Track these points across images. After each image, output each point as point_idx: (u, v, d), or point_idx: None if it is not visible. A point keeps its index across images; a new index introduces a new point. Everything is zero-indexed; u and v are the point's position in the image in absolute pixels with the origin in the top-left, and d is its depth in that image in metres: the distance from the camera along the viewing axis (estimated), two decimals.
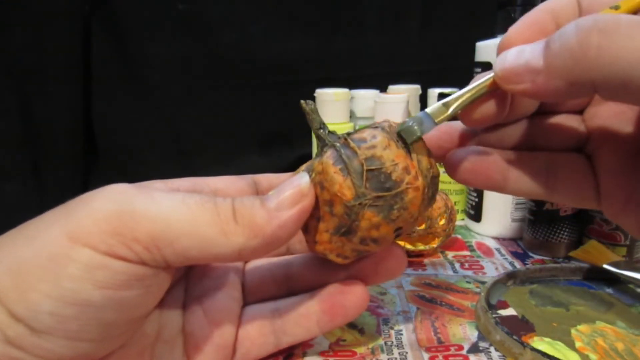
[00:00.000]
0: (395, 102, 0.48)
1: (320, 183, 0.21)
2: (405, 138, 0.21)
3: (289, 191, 0.20)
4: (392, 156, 0.21)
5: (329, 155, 0.21)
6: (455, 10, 0.66)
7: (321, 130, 0.23)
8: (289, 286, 0.26)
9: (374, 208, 0.21)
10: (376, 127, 0.22)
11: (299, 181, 0.21)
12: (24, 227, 0.20)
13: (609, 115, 0.23)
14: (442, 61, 0.66)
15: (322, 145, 0.23)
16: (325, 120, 0.56)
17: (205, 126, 0.63)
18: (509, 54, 0.19)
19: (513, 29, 0.21)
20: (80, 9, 0.56)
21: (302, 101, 0.23)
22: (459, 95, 0.21)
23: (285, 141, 0.65)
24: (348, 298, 0.25)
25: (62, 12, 0.55)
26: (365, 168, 0.20)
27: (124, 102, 0.61)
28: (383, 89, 0.57)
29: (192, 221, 0.19)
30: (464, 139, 0.23)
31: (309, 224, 0.22)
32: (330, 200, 0.21)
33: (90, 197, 0.19)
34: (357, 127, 0.54)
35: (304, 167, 0.23)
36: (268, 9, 0.62)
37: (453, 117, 0.22)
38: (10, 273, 0.18)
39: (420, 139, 0.22)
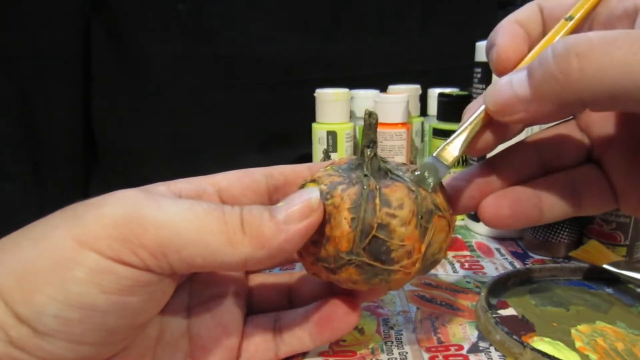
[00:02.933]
0: (395, 102, 0.48)
1: (329, 214, 0.21)
2: (424, 185, 0.22)
3: (298, 205, 0.20)
4: (404, 236, 0.20)
5: (351, 194, 0.21)
6: (455, 10, 0.66)
7: (368, 150, 0.22)
8: (290, 298, 0.27)
9: (360, 269, 0.21)
10: (412, 191, 0.21)
11: (309, 195, 0.20)
12: (28, 229, 0.19)
13: (602, 120, 0.23)
14: (442, 61, 0.66)
15: (358, 163, 0.23)
16: (325, 120, 0.56)
17: (205, 126, 0.63)
18: (497, 87, 0.20)
19: (500, 48, 0.22)
20: (80, 9, 0.56)
21: (366, 110, 0.23)
22: (459, 134, 0.22)
23: (285, 141, 0.65)
24: (336, 311, 0.25)
25: (62, 12, 0.55)
26: (373, 232, 0.20)
27: (124, 102, 0.61)
28: (383, 89, 0.57)
29: (199, 229, 0.19)
30: (489, 187, 0.24)
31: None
32: (329, 237, 0.21)
33: (98, 202, 0.19)
34: (357, 127, 0.54)
35: (328, 181, 0.22)
36: (268, 9, 0.62)
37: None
38: (16, 274, 0.18)
39: (439, 184, 0.22)
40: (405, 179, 0.22)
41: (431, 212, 0.21)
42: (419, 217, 0.21)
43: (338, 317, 0.25)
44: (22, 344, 0.17)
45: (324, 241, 0.21)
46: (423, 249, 0.21)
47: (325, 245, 0.21)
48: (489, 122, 0.22)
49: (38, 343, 0.18)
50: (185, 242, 0.19)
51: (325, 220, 0.21)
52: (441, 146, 0.22)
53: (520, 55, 0.22)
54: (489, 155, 0.25)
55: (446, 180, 0.24)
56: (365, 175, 0.22)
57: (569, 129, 0.24)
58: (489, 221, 0.23)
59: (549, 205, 0.23)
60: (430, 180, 0.22)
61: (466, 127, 0.22)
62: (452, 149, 0.22)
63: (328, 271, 0.22)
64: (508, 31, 0.22)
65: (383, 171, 0.22)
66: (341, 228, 0.20)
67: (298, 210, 0.20)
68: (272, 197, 0.26)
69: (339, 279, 0.22)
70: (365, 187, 0.21)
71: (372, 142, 0.22)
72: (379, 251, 0.20)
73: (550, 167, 0.24)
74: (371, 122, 0.22)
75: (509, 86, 0.19)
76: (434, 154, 0.22)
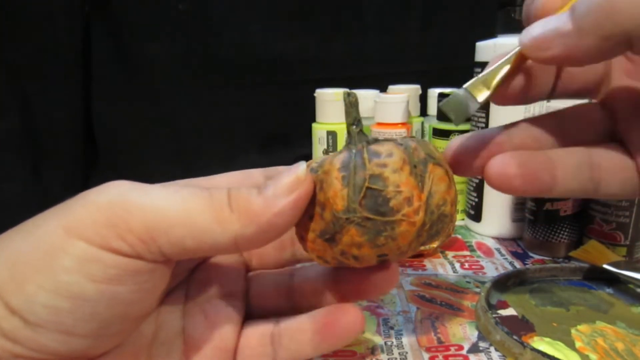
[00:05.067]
0: (395, 102, 0.48)
1: (320, 182, 0.21)
2: (451, 117, 0.21)
3: (286, 178, 0.20)
4: (398, 182, 0.20)
5: (340, 158, 0.21)
6: (455, 10, 0.66)
7: (353, 127, 0.22)
8: (290, 298, 0.26)
9: (360, 227, 0.20)
10: (400, 144, 0.21)
11: (296, 169, 0.20)
12: (22, 224, 0.20)
13: (628, 95, 0.22)
14: (442, 61, 0.66)
15: (348, 142, 0.22)
16: (326, 120, 0.56)
17: (205, 126, 0.63)
18: (534, 26, 0.19)
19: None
20: (80, 9, 0.57)
21: (344, 91, 0.22)
22: (490, 72, 0.21)
23: (285, 141, 0.65)
24: (341, 319, 0.24)
25: (62, 12, 0.55)
26: (366, 185, 0.20)
27: (123, 102, 0.61)
28: (383, 89, 0.57)
29: (186, 210, 0.19)
30: (499, 148, 0.22)
31: (301, 220, 0.22)
32: (323, 203, 0.20)
33: (86, 193, 0.19)
34: None
35: (319, 160, 0.22)
36: (268, 9, 0.62)
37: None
38: (8, 265, 0.18)
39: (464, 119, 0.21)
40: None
41: (425, 161, 0.20)
42: (412, 166, 0.20)
43: (343, 324, 0.24)
44: (14, 335, 0.17)
45: (320, 210, 0.21)
46: (424, 197, 0.20)
47: (322, 214, 0.20)
48: (520, 65, 0.21)
49: (29, 334, 0.18)
50: (173, 223, 0.18)
51: (318, 192, 0.21)
52: (472, 80, 0.21)
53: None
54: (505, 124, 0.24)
55: (456, 139, 0.23)
56: (351, 144, 0.22)
57: (592, 105, 0.24)
58: (494, 181, 0.21)
59: (564, 173, 0.21)
60: (460, 113, 0.21)
61: (498, 66, 0.21)
62: (484, 84, 0.21)
63: (331, 244, 0.21)
64: None
65: (372, 140, 0.22)
66: (333, 188, 0.20)
67: (286, 183, 0.20)
68: None
69: (343, 250, 0.21)
70: (352, 150, 0.21)
71: (355, 120, 0.22)
72: (376, 203, 0.20)
73: (571, 141, 0.23)
74: (351, 101, 0.22)
75: (547, 22, 0.19)
76: (465, 86, 0.21)
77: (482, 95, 0.21)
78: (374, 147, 0.21)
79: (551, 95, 0.23)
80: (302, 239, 0.22)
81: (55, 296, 0.17)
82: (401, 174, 0.20)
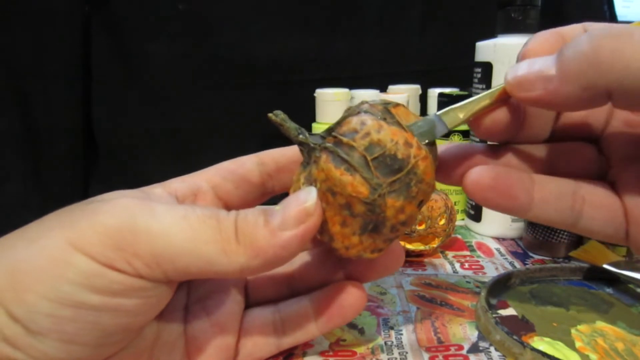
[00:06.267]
0: None
1: (329, 190, 0.20)
2: (417, 137, 0.21)
3: (294, 209, 0.20)
4: (389, 136, 0.20)
5: (326, 159, 0.21)
6: (455, 10, 0.66)
7: (301, 136, 0.22)
8: (290, 286, 0.26)
9: (393, 193, 0.20)
10: (359, 113, 0.21)
11: (306, 198, 0.20)
12: (24, 229, 0.20)
13: (626, 141, 0.22)
14: (442, 61, 0.66)
15: (308, 149, 0.22)
16: (326, 120, 0.56)
17: (205, 126, 0.63)
18: (521, 64, 0.19)
19: (530, 44, 0.21)
20: (80, 9, 0.57)
21: (269, 114, 0.22)
22: (469, 102, 0.21)
23: (285, 141, 0.65)
24: (345, 298, 0.25)
25: (62, 12, 0.55)
26: (369, 158, 0.20)
27: (123, 102, 0.61)
28: (383, 89, 0.56)
29: (193, 239, 0.19)
30: (483, 161, 0.22)
31: (333, 233, 0.21)
32: (347, 204, 0.20)
33: (94, 210, 0.19)
34: None
35: (302, 179, 0.22)
36: (268, 9, 0.62)
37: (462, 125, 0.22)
38: (9, 273, 0.18)
39: (433, 142, 0.21)
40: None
41: (386, 110, 0.21)
42: (383, 119, 0.21)
43: (349, 303, 0.24)
44: (15, 341, 0.18)
45: (348, 212, 0.21)
46: (411, 134, 0.20)
47: (352, 213, 0.20)
48: (505, 101, 0.21)
49: (31, 342, 0.18)
50: (179, 252, 0.19)
51: (332, 200, 0.20)
52: (447, 108, 0.22)
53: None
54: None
55: (445, 145, 0.23)
56: (314, 145, 0.22)
57: (587, 146, 0.23)
58: (469, 190, 0.21)
59: (542, 197, 0.21)
60: (426, 134, 0.21)
61: (478, 98, 0.21)
62: (458, 112, 0.21)
63: (378, 230, 0.21)
64: (540, 37, 0.21)
65: (332, 135, 0.22)
66: (347, 183, 0.20)
67: (294, 215, 0.20)
68: (267, 184, 0.26)
69: (392, 225, 0.21)
70: (328, 147, 0.21)
71: (298, 130, 0.22)
72: (388, 164, 0.20)
73: (559, 173, 0.22)
74: (282, 119, 0.22)
75: (532, 63, 0.19)
76: (437, 113, 0.22)
77: (453, 122, 0.21)
78: (343, 129, 0.21)
79: (549, 139, 0.23)
80: (346, 249, 0.22)
81: (57, 305, 0.18)
82: (385, 130, 0.20)
